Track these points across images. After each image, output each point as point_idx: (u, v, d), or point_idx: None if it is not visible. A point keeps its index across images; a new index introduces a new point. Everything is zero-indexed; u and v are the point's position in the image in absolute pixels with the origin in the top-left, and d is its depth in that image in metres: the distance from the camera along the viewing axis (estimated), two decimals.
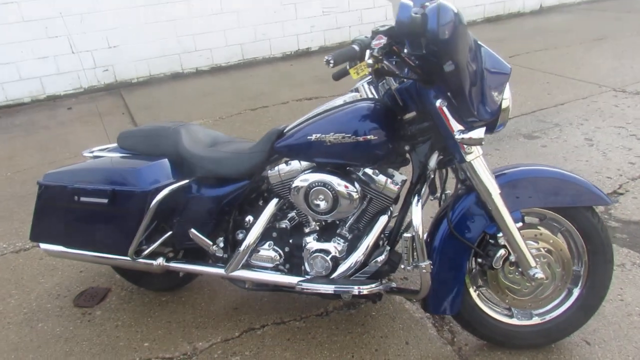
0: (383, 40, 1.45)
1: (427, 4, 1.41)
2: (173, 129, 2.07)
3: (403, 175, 1.85)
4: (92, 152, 2.19)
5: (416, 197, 1.71)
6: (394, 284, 1.87)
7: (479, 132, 1.54)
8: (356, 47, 1.62)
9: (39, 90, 5.85)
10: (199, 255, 2.10)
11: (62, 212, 2.02)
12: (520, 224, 1.69)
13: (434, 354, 1.89)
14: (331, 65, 1.54)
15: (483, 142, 1.56)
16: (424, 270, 1.70)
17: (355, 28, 7.37)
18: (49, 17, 5.60)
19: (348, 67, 1.69)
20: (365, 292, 1.79)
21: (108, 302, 2.34)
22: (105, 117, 5.06)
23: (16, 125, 5.13)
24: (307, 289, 1.85)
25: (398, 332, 2.00)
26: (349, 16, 7.28)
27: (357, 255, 1.82)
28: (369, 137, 1.67)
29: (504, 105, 1.61)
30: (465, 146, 1.59)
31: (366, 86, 1.80)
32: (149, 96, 5.72)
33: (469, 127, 1.57)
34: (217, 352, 1.99)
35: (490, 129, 1.64)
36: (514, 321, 1.85)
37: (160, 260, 2.05)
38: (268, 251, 1.96)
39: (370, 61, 1.46)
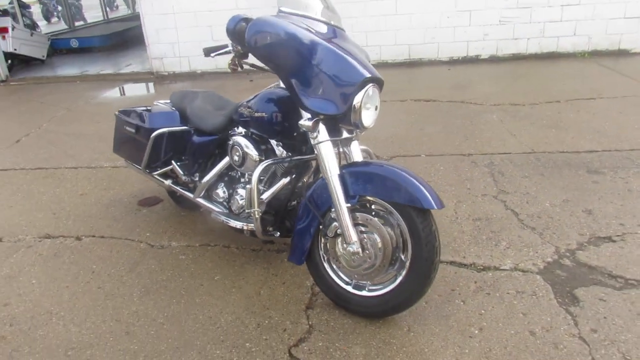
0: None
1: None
2: (193, 93, 2.94)
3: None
4: (157, 102, 3.23)
5: (263, 161, 2.23)
6: (277, 234, 2.41)
7: (307, 121, 2.00)
8: (229, 45, 2.21)
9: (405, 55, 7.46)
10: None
11: (121, 135, 3.11)
12: (349, 205, 2.05)
13: (292, 295, 2.38)
14: (204, 55, 2.20)
15: (318, 131, 2.01)
16: (252, 215, 2.22)
17: (535, 40, 7.10)
18: None
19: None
20: (247, 228, 2.39)
21: (154, 208, 3.40)
22: None
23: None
24: (216, 217, 2.55)
25: (286, 275, 2.53)
26: (529, 28, 7.04)
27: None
28: (261, 114, 2.26)
29: (356, 107, 1.99)
30: (309, 132, 2.06)
31: None
32: None
33: (314, 117, 2.03)
34: (176, 249, 2.84)
35: (348, 124, 2.05)
36: (348, 288, 2.20)
37: (169, 182, 2.98)
38: (219, 190, 2.69)
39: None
